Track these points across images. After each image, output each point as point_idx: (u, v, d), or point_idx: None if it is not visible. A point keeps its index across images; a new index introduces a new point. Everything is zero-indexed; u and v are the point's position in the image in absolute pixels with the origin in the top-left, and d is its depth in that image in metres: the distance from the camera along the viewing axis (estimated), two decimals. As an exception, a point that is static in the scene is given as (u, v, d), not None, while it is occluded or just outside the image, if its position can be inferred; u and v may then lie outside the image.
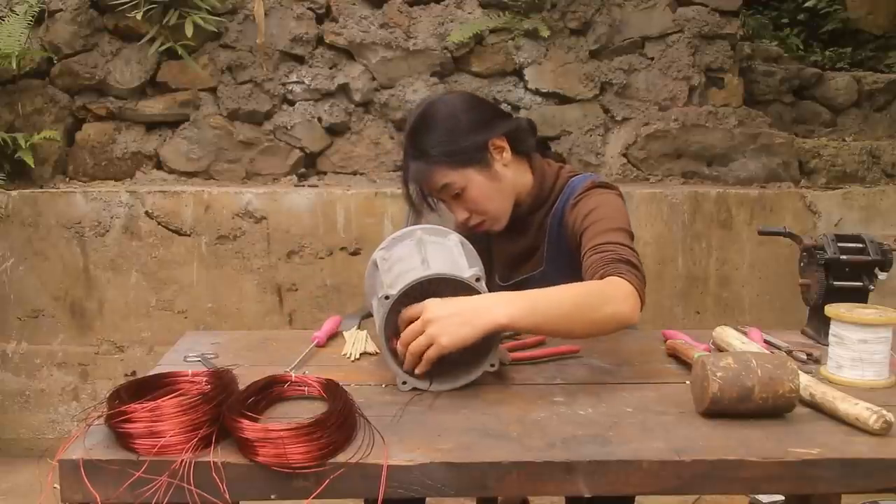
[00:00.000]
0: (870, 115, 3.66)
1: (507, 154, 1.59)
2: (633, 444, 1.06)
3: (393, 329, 1.29)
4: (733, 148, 3.19)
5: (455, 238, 1.43)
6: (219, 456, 1.00)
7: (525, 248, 1.67)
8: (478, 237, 1.67)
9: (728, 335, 1.45)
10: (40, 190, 2.90)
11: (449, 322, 1.21)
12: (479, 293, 1.26)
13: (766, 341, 1.52)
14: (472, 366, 1.29)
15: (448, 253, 1.37)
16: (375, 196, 2.85)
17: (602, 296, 1.29)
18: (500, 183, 1.58)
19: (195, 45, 3.04)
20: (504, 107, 3.16)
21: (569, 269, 1.55)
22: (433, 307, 1.22)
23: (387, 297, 1.25)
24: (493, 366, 1.29)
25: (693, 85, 3.23)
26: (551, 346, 1.46)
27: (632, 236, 1.46)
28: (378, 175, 3.15)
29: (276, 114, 3.14)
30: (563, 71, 3.16)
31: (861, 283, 1.54)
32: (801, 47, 4.32)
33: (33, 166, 2.91)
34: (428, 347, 1.21)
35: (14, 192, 2.83)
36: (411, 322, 1.24)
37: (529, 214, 1.65)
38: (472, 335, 1.21)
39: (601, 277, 1.33)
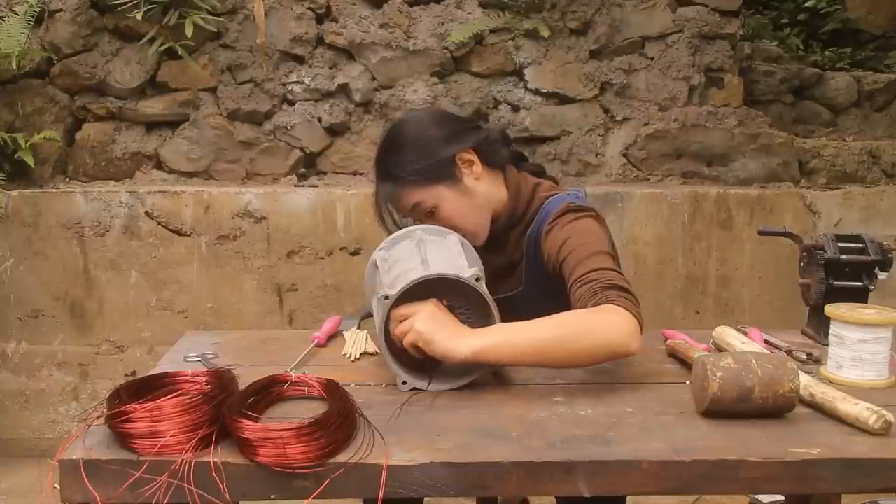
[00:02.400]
0: (870, 115, 3.66)
1: (478, 167, 1.54)
2: (633, 444, 1.06)
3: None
4: (733, 148, 3.19)
5: (455, 238, 1.43)
6: (219, 456, 1.00)
7: (503, 265, 1.61)
8: None
9: (728, 335, 1.45)
10: (40, 190, 2.90)
11: (431, 326, 1.23)
12: (479, 293, 1.26)
13: (766, 341, 1.52)
14: (473, 366, 1.29)
15: (448, 253, 1.37)
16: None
17: (586, 325, 1.24)
18: (473, 198, 1.53)
19: (195, 45, 3.04)
20: (504, 107, 3.16)
21: (548, 289, 1.52)
22: (422, 321, 1.24)
23: (387, 297, 1.25)
24: (493, 366, 1.30)
25: (693, 85, 3.23)
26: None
27: (614, 258, 1.41)
28: (378, 175, 3.15)
29: (276, 114, 3.14)
30: (563, 71, 3.16)
31: (861, 283, 1.54)
32: (801, 47, 4.31)
33: (33, 166, 2.91)
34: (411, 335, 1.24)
35: (14, 192, 2.82)
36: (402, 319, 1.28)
37: (505, 231, 1.60)
38: (442, 354, 1.23)
39: (593, 306, 1.28)
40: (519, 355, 1.25)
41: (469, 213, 1.54)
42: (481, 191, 1.55)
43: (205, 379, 1.16)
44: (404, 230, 1.46)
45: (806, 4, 4.43)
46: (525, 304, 1.51)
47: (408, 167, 1.50)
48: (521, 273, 1.59)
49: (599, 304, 1.27)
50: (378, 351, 1.48)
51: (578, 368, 1.38)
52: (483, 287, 1.27)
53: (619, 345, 1.23)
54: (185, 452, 1.00)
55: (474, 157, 1.54)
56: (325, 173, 3.19)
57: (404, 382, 1.28)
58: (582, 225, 1.46)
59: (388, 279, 1.32)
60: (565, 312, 1.29)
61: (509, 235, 1.60)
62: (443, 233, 1.45)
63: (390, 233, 1.54)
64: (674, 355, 1.45)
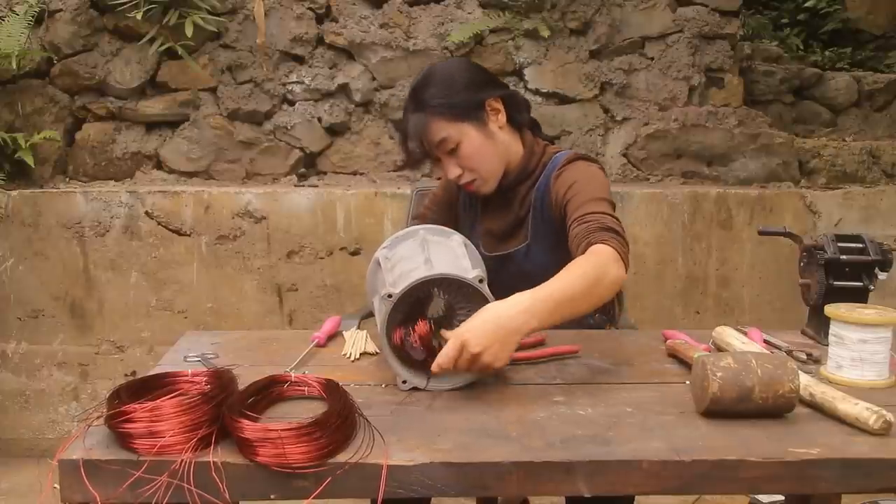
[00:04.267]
0: (870, 115, 3.66)
1: (503, 117, 1.65)
2: (633, 444, 1.06)
3: (395, 327, 1.29)
4: (733, 148, 3.19)
5: (458, 238, 1.44)
6: (219, 456, 1.00)
7: (510, 221, 1.71)
8: (466, 206, 1.75)
9: (728, 335, 1.45)
10: (40, 190, 2.90)
11: (495, 349, 1.23)
12: (482, 294, 1.27)
13: (766, 341, 1.52)
14: None
15: (451, 253, 1.38)
16: (375, 196, 2.85)
17: (598, 268, 1.33)
18: (494, 143, 1.63)
19: (195, 45, 3.04)
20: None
21: (553, 241, 1.60)
22: (473, 340, 1.22)
23: (389, 296, 1.25)
24: None
25: (693, 85, 3.23)
26: (551, 346, 1.46)
27: (612, 205, 1.52)
28: (378, 175, 3.15)
29: (276, 114, 3.14)
30: (563, 71, 3.16)
31: (861, 283, 1.54)
32: (801, 47, 4.31)
33: (33, 166, 2.91)
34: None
35: (14, 192, 2.82)
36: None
37: (515, 186, 1.69)
38: (515, 348, 1.27)
39: (585, 247, 1.38)
40: (563, 317, 1.30)
41: (488, 157, 1.64)
42: (502, 139, 1.65)
43: (205, 379, 1.16)
44: (407, 229, 1.46)
45: (806, 4, 4.43)
46: (531, 259, 1.63)
47: (439, 100, 1.60)
48: (528, 228, 1.67)
49: (591, 245, 1.38)
50: (378, 351, 1.48)
51: (579, 365, 1.40)
52: (486, 289, 1.27)
53: (618, 279, 1.34)
54: (185, 452, 1.00)
55: (501, 108, 1.65)
56: (325, 173, 3.19)
57: (404, 381, 1.28)
58: (590, 171, 1.59)
59: (391, 278, 1.32)
60: (575, 264, 1.35)
61: (517, 191, 1.70)
62: (446, 233, 1.45)
63: (412, 166, 1.67)
64: (674, 355, 1.45)
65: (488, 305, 1.26)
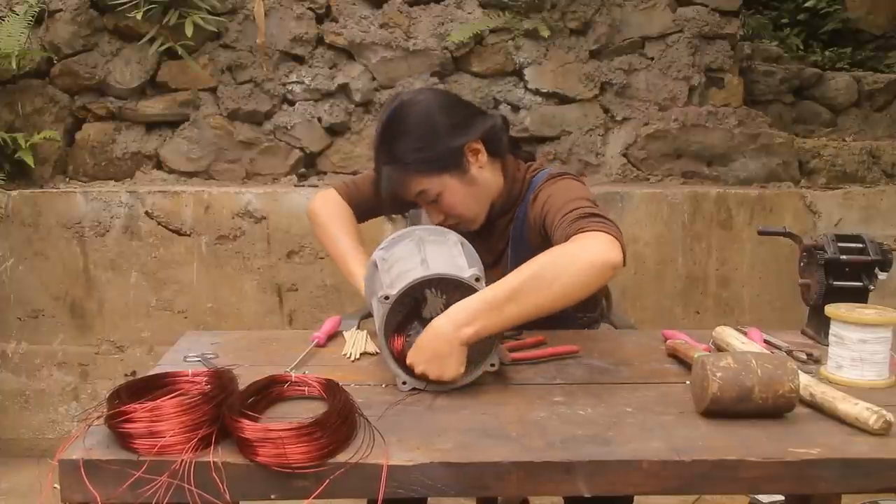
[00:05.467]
0: (870, 115, 3.66)
1: (483, 156, 1.55)
2: (633, 444, 1.06)
3: (393, 329, 1.29)
4: (733, 148, 3.19)
5: (454, 237, 1.43)
6: (219, 456, 1.00)
7: (490, 253, 1.64)
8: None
9: (728, 335, 1.45)
10: (40, 190, 2.90)
11: (436, 365, 1.23)
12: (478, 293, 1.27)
13: (766, 341, 1.52)
14: (472, 366, 1.29)
15: (448, 253, 1.37)
16: (375, 196, 2.85)
17: (564, 258, 1.25)
18: (477, 186, 1.55)
19: (195, 45, 3.04)
20: (504, 107, 3.16)
21: None
22: (415, 362, 1.24)
23: (386, 298, 1.25)
24: (493, 365, 1.30)
25: (693, 85, 3.23)
26: (551, 346, 1.46)
27: (594, 203, 1.42)
28: (378, 175, 3.15)
29: (276, 114, 3.14)
30: (563, 71, 3.16)
31: (861, 283, 1.54)
32: (801, 47, 4.31)
33: (33, 166, 2.90)
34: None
35: (14, 192, 2.82)
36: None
37: (496, 218, 1.62)
38: (459, 361, 1.24)
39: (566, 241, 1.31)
40: (509, 318, 1.24)
41: (472, 202, 1.57)
42: (484, 180, 1.57)
43: (205, 379, 1.16)
44: (404, 230, 1.46)
45: (806, 4, 4.43)
46: None
47: (416, 154, 1.49)
48: (506, 260, 1.61)
49: (570, 237, 1.30)
50: (378, 351, 1.48)
51: (579, 365, 1.39)
52: (483, 287, 1.27)
53: (603, 262, 1.24)
54: (185, 452, 1.00)
55: (481, 147, 1.55)
56: (325, 173, 3.19)
57: (404, 382, 1.28)
58: (563, 183, 1.52)
59: (388, 279, 1.32)
60: (535, 258, 1.28)
61: (496, 224, 1.63)
62: (443, 233, 1.45)
63: (388, 213, 1.58)
64: (674, 355, 1.45)
65: (430, 323, 1.25)
